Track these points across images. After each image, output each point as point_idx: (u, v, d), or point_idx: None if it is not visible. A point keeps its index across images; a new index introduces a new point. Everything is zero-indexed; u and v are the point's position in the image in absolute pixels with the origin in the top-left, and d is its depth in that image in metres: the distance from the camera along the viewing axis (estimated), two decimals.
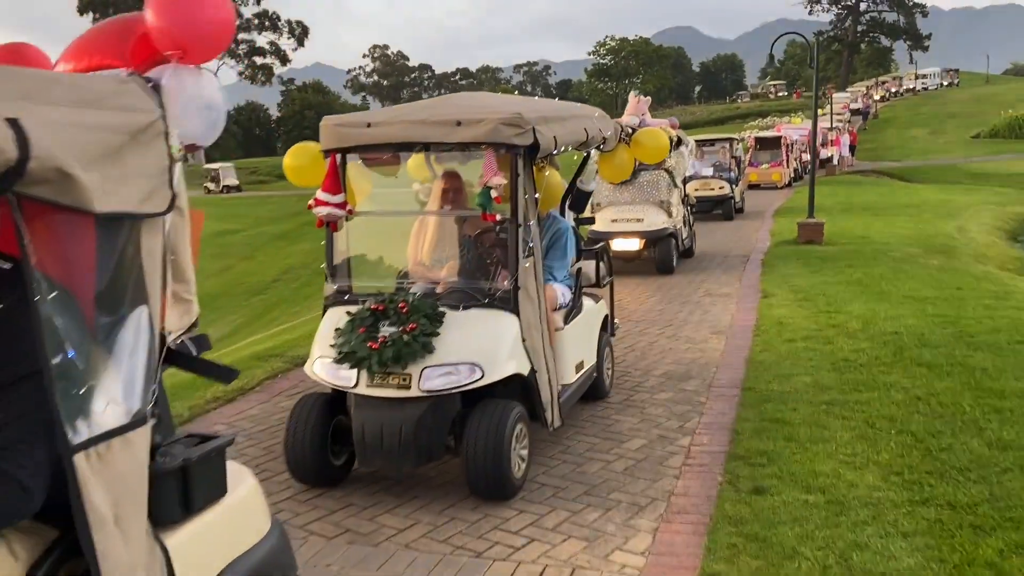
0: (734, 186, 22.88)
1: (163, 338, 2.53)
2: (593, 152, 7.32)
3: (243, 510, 2.80)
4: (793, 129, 39.02)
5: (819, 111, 22.97)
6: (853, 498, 4.91)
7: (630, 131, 7.76)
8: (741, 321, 10.01)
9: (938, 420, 6.14)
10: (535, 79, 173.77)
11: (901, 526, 4.54)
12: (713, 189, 22.41)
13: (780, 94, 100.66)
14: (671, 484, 5.34)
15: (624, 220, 13.89)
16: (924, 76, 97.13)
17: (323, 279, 5.77)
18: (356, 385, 5.05)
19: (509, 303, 5.21)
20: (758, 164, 32.78)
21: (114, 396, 2.21)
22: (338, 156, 5.44)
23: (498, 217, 5.21)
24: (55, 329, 1.98)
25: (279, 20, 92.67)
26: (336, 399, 5.35)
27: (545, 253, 6.21)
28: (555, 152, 5.83)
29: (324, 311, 5.61)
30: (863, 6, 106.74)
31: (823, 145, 36.79)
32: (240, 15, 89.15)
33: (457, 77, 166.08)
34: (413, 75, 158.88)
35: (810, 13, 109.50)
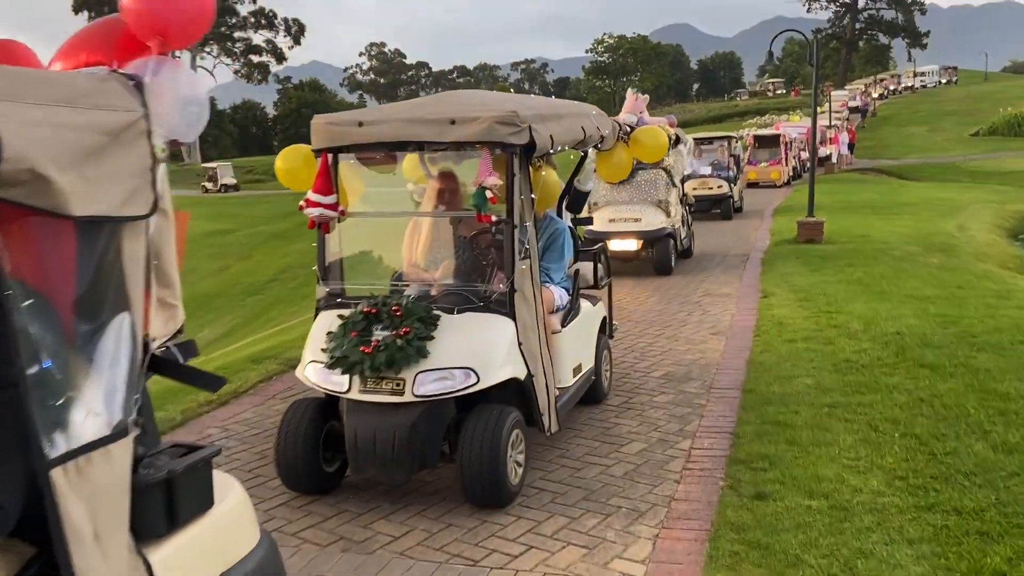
0: (733, 185, 22.78)
1: (146, 345, 2.44)
2: (591, 151, 7.20)
3: (231, 522, 2.71)
4: (792, 127, 38.98)
5: (818, 109, 22.88)
6: (857, 503, 4.83)
7: (628, 129, 7.66)
8: (741, 321, 9.93)
9: (942, 423, 6.06)
10: (533, 77, 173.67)
11: (907, 533, 4.45)
12: (711, 188, 22.29)
13: (778, 92, 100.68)
14: (671, 489, 5.25)
15: (621, 220, 13.77)
16: (922, 74, 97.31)
17: None
18: (348, 390, 4.95)
19: (505, 306, 5.10)
20: (757, 162, 32.71)
21: (94, 407, 2.14)
22: (329, 156, 5.33)
23: (493, 218, 5.09)
24: (30, 338, 1.90)
25: (275, 18, 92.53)
26: (328, 404, 5.24)
27: (542, 254, 6.11)
28: (552, 151, 5.71)
29: (316, 314, 5.51)
30: (861, 3, 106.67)
31: (822, 143, 36.71)
32: (236, 13, 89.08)
33: (454, 75, 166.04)
34: (410, 73, 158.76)
35: (808, 11, 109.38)
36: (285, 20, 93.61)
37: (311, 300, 5.80)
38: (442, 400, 4.92)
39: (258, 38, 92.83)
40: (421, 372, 4.86)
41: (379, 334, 4.91)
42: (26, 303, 1.90)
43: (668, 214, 13.88)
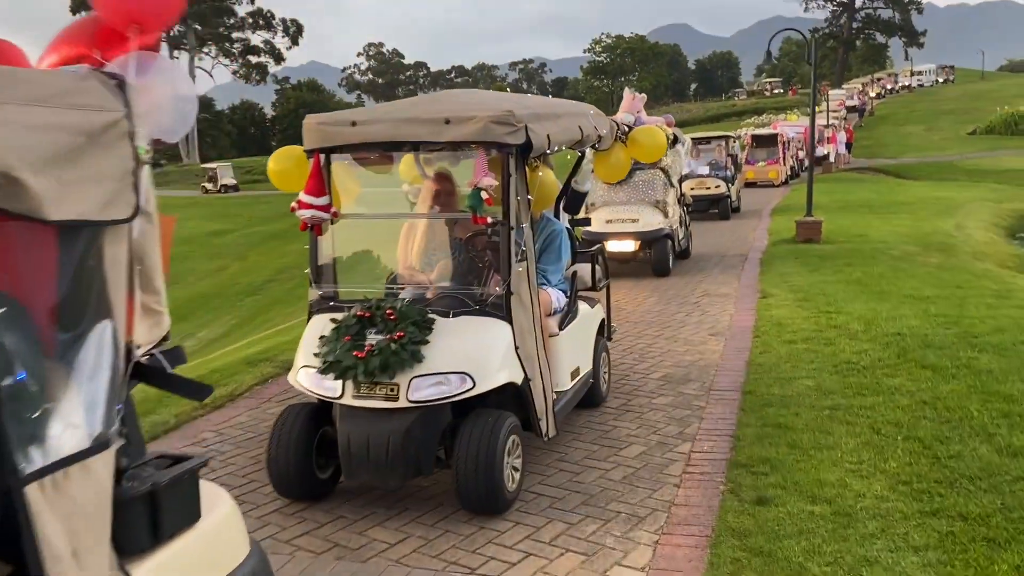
0: (730, 185, 22.72)
1: (130, 353, 2.36)
2: (588, 151, 7.11)
3: (219, 535, 2.63)
4: (789, 126, 38.99)
5: (816, 108, 22.84)
6: (860, 509, 4.74)
7: (626, 129, 7.57)
8: (740, 322, 9.85)
9: (945, 425, 5.98)
10: (531, 77, 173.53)
11: (912, 539, 4.37)
12: (709, 188, 22.22)
13: (776, 91, 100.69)
14: (671, 494, 5.18)
15: (619, 221, 13.67)
16: (919, 73, 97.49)
17: None
18: (341, 396, 4.85)
19: (501, 309, 5.01)
20: (755, 162, 32.66)
21: (73, 419, 2.06)
22: (322, 156, 5.23)
23: (489, 220, 5.00)
24: (3, 348, 1.82)
25: (273, 19, 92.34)
26: (321, 409, 5.15)
27: (539, 256, 6.02)
28: (548, 151, 5.62)
29: (308, 317, 5.42)
30: (858, 3, 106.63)
31: (819, 142, 36.70)
32: (234, 14, 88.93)
33: (453, 75, 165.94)
34: (408, 73, 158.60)
35: (806, 10, 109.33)
36: (283, 20, 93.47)
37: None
38: (437, 406, 4.83)
39: (256, 39, 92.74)
40: (416, 377, 4.77)
41: (373, 338, 4.82)
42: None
43: (666, 214, 13.79)
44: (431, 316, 4.96)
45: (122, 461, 2.29)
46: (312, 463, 5.09)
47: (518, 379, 5.02)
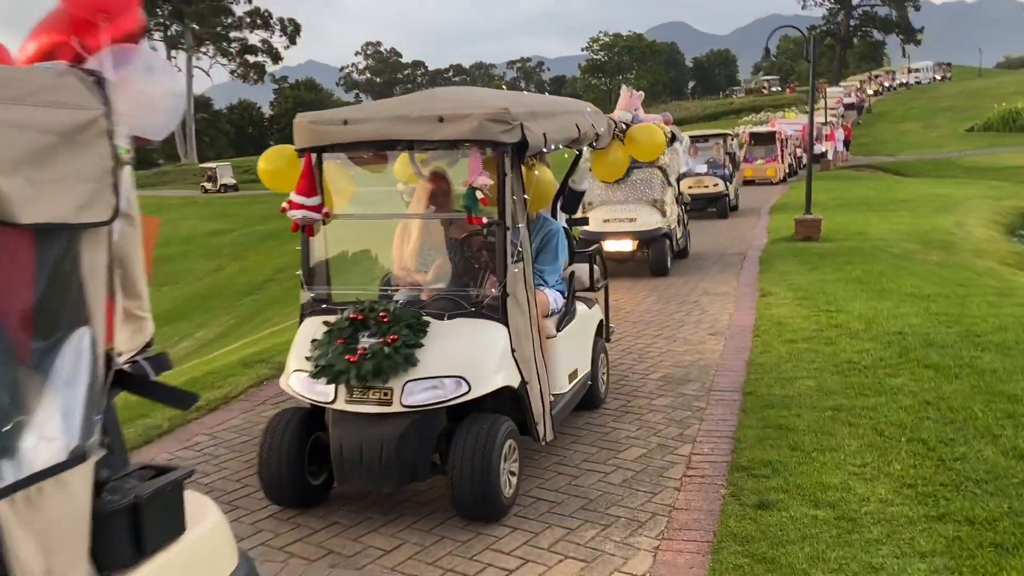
0: (729, 183, 22.63)
1: (110, 361, 2.27)
2: (585, 150, 7.01)
3: (205, 548, 2.54)
4: (787, 124, 38.97)
5: (814, 106, 22.77)
6: (865, 513, 4.65)
7: (624, 127, 7.48)
8: (739, 321, 9.77)
9: (949, 427, 5.88)
10: (529, 75, 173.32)
11: (918, 545, 4.27)
12: (707, 187, 22.12)
13: (774, 89, 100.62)
14: (672, 497, 5.09)
15: (616, 220, 13.55)
16: (917, 70, 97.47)
17: None
18: (334, 400, 4.75)
19: (497, 311, 4.91)
20: (753, 160, 32.59)
21: (47, 431, 1.97)
22: (313, 155, 5.12)
23: (484, 220, 4.90)
24: None
25: (271, 18, 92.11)
26: (314, 414, 5.04)
27: (536, 256, 5.92)
28: (545, 150, 5.51)
29: (300, 320, 5.31)
30: (855, 0, 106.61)
31: (818, 140, 36.64)
32: (232, 13, 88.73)
33: (450, 73, 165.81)
34: (406, 72, 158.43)
35: (803, 8, 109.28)
36: (281, 20, 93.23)
37: None
38: (432, 410, 4.72)
39: (254, 38, 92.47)
40: (410, 381, 4.66)
41: (366, 341, 4.71)
42: None
43: (664, 213, 13.68)
44: (425, 318, 4.85)
45: (102, 473, 2.20)
46: (304, 469, 4.99)
47: (515, 382, 4.92)
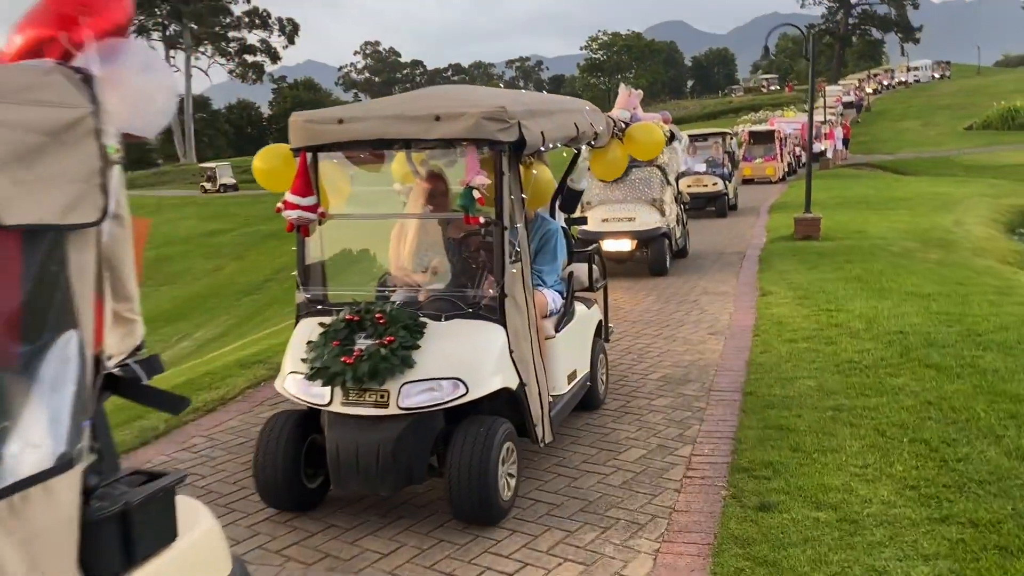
0: (728, 182, 22.58)
1: (99, 364, 2.22)
2: (584, 149, 6.96)
3: (197, 554, 2.49)
4: (786, 123, 38.94)
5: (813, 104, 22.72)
6: (867, 515, 4.60)
7: (623, 126, 7.43)
8: (739, 321, 9.73)
9: (952, 427, 5.84)
10: (527, 74, 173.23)
11: (921, 548, 4.23)
12: (707, 186, 22.07)
13: (772, 88, 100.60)
14: (672, 499, 5.05)
15: (615, 220, 13.49)
16: (915, 68, 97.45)
17: None
18: (330, 403, 4.69)
19: (495, 312, 4.85)
20: (752, 159, 32.54)
21: (32, 438, 1.91)
22: (309, 155, 5.07)
23: (482, 220, 4.85)
24: None
25: (270, 17, 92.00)
26: (310, 416, 4.99)
27: (534, 256, 5.86)
28: (543, 149, 5.46)
29: (296, 321, 5.26)
30: None
31: (817, 139, 36.59)
32: (231, 13, 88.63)
33: (449, 73, 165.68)
34: (405, 71, 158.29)
35: (802, 7, 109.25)
36: (279, 19, 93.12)
37: None
38: (429, 412, 4.67)
39: (252, 38, 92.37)
40: (406, 383, 4.60)
41: (362, 343, 4.65)
42: None
43: (663, 213, 13.63)
44: (422, 320, 4.80)
45: (91, 479, 2.16)
46: (300, 472, 4.93)
47: (513, 384, 4.87)
